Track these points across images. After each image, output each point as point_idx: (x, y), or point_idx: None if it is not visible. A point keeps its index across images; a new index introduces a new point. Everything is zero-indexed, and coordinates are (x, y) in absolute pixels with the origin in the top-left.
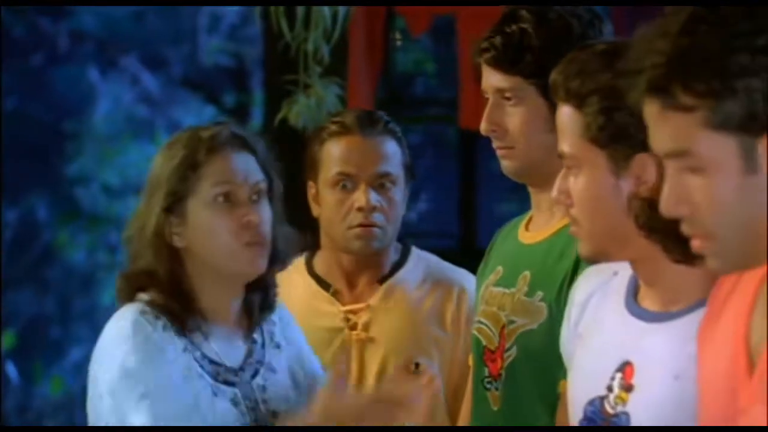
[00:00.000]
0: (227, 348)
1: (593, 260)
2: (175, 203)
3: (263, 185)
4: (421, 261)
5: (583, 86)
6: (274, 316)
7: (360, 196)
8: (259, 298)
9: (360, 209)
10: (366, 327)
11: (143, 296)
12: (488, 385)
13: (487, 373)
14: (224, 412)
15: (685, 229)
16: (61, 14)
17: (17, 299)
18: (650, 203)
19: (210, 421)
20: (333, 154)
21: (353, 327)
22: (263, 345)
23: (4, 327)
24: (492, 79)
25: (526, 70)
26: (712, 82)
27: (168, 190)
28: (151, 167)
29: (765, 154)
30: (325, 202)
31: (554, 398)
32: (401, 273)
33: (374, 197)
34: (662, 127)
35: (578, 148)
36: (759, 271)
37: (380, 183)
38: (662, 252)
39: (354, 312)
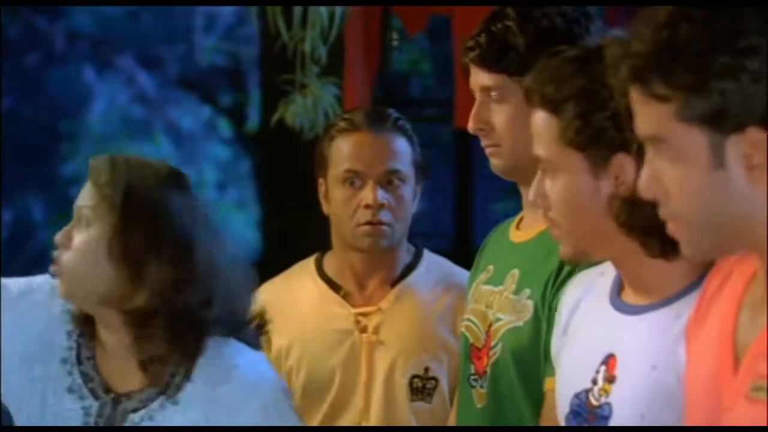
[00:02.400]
0: (121, 373)
1: (575, 261)
2: None
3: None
4: (433, 264)
5: (558, 92)
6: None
7: (367, 194)
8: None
9: (367, 206)
10: (376, 330)
11: None
12: (474, 383)
13: (473, 371)
14: (67, 404)
15: (660, 212)
16: (57, 14)
17: None
18: (630, 202)
19: (43, 405)
20: (342, 150)
21: (363, 329)
22: (160, 393)
23: None
24: (478, 78)
25: (510, 67)
26: (686, 76)
27: None
28: None
29: (734, 152)
30: (334, 199)
31: (539, 396)
32: (413, 276)
33: (382, 195)
34: (641, 113)
35: (555, 152)
36: (747, 270)
37: (389, 180)
38: (641, 248)
39: (365, 314)
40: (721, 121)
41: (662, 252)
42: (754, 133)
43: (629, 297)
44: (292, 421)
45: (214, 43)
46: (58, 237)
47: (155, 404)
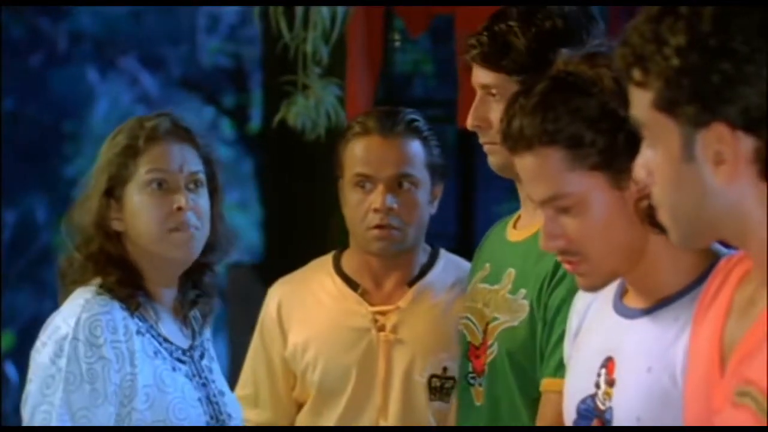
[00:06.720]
0: (174, 330)
1: (599, 289)
2: (115, 189)
3: (201, 176)
4: (450, 264)
5: (553, 124)
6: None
7: (376, 198)
8: (191, 286)
9: (376, 211)
10: (394, 329)
11: (94, 282)
12: (472, 381)
13: (471, 369)
14: (184, 384)
15: (651, 198)
16: (60, 15)
17: (16, 300)
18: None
19: (174, 394)
20: (355, 154)
21: (381, 328)
22: (200, 333)
23: (3, 327)
24: (478, 76)
25: (510, 67)
26: (660, 66)
27: (108, 175)
28: (98, 156)
29: (701, 146)
30: (347, 201)
31: (535, 395)
32: (430, 276)
33: (390, 199)
34: (631, 98)
35: (576, 182)
36: (743, 269)
37: (399, 184)
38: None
39: (383, 313)
40: (689, 115)
41: None
42: (720, 129)
43: (631, 300)
44: None
45: (216, 44)
46: (186, 204)
47: (207, 341)
